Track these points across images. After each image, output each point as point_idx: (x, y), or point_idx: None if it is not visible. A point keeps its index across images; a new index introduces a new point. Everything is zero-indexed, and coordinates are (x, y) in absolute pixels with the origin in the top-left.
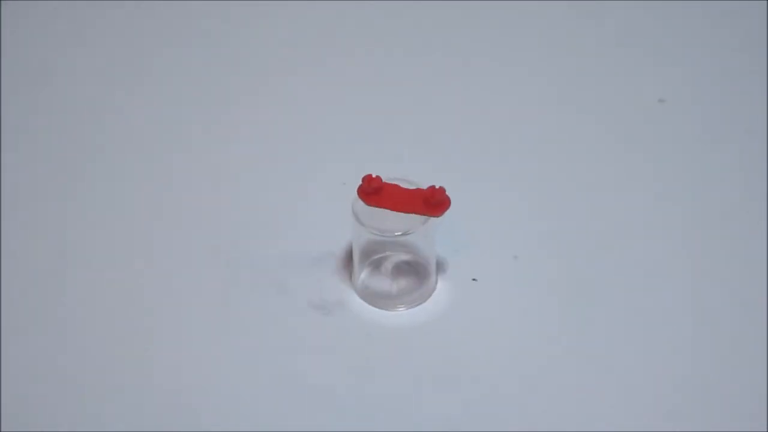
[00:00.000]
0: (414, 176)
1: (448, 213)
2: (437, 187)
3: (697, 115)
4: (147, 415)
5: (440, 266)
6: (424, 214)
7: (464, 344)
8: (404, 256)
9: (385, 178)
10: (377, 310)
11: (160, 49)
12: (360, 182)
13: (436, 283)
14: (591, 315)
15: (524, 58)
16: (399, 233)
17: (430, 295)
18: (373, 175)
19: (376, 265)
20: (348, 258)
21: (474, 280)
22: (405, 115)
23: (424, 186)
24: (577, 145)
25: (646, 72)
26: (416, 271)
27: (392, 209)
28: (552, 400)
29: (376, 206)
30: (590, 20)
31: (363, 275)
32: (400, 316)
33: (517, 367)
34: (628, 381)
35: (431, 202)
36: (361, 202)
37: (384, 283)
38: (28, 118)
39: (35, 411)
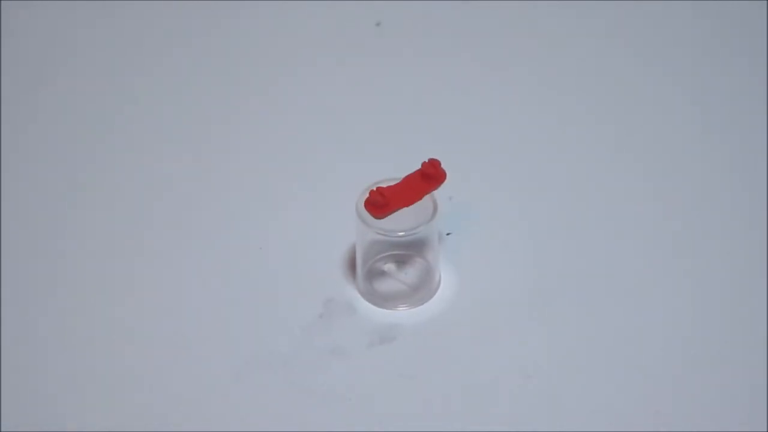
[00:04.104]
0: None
1: (453, 213)
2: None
3: (696, 115)
4: (147, 414)
5: (444, 266)
6: (428, 191)
7: (468, 344)
8: (408, 256)
9: (390, 179)
10: (380, 309)
11: (162, 49)
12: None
13: (440, 283)
14: (597, 314)
15: (525, 56)
16: (403, 233)
17: (433, 295)
18: (377, 188)
19: (380, 265)
20: (351, 257)
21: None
22: (408, 115)
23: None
24: (581, 144)
25: (646, 72)
26: (420, 271)
27: (406, 206)
28: (555, 400)
29: (389, 213)
30: (590, 20)
31: (366, 274)
32: (403, 315)
33: (521, 367)
34: (629, 380)
35: (429, 175)
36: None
37: (387, 283)
38: (27, 118)
39: (35, 411)
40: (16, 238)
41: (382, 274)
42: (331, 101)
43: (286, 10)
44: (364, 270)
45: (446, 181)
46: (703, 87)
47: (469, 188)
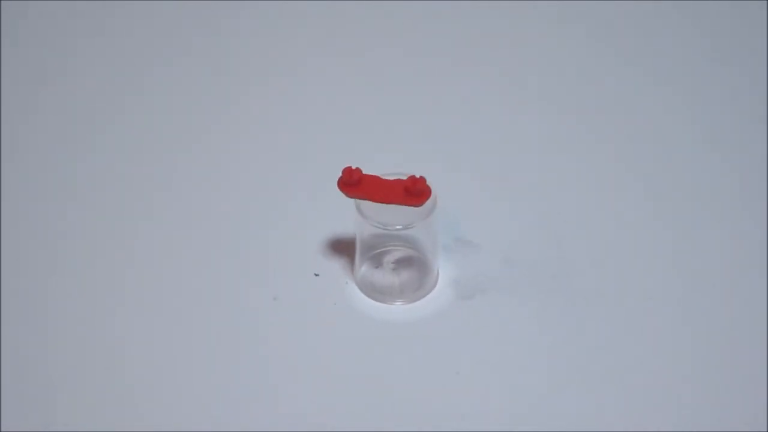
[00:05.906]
0: (416, 173)
1: (452, 209)
2: (418, 176)
3: (696, 121)
4: (147, 413)
5: (442, 262)
6: (405, 204)
7: (464, 340)
8: (406, 251)
9: (386, 173)
10: (377, 304)
11: (160, 48)
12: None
13: (437, 278)
14: (591, 314)
15: (523, 56)
16: (400, 227)
17: (430, 291)
18: (353, 167)
19: (378, 259)
20: (350, 251)
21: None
22: (407, 112)
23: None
24: (580, 143)
25: (644, 72)
26: (418, 266)
27: (372, 200)
28: (550, 398)
29: (357, 197)
30: (588, 19)
31: (364, 268)
32: (400, 310)
33: (516, 365)
34: (628, 380)
35: (412, 191)
36: None
37: (385, 278)
38: (27, 118)
39: (35, 411)
40: (17, 238)
41: (380, 268)
42: (330, 100)
43: (286, 10)
44: (362, 263)
45: (446, 183)
46: (701, 88)
47: (468, 186)
